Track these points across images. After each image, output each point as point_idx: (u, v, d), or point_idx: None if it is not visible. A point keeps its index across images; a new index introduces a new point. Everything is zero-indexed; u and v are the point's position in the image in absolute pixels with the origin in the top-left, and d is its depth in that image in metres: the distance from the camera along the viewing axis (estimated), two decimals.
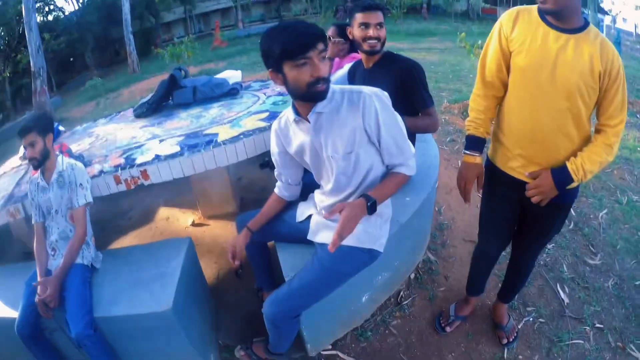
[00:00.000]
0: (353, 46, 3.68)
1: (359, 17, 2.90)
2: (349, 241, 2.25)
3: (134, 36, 25.35)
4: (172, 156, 2.97)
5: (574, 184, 2.19)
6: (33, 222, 2.93)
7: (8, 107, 26.14)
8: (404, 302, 3.32)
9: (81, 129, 4.82)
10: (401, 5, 28.85)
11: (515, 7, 2.27)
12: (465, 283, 3.17)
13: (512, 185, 2.40)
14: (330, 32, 3.86)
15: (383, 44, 2.97)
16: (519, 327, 3.11)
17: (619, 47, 15.03)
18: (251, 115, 3.55)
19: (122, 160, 3.08)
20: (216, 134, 3.19)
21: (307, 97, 2.10)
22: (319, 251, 2.44)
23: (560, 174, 2.17)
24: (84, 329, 2.44)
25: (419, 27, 26.45)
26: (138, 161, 3.00)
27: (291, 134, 2.39)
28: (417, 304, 3.34)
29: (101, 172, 3.00)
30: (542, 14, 2.11)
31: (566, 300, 3.34)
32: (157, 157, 3.00)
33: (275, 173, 2.64)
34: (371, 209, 2.16)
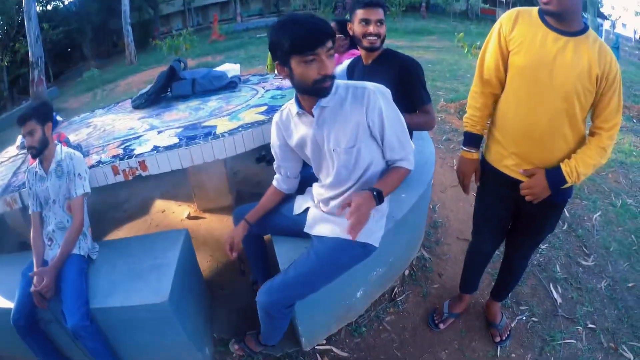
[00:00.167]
0: (353, 42, 3.69)
1: (359, 13, 2.91)
2: (344, 234, 2.25)
3: (132, 28, 25.24)
4: (171, 147, 2.97)
5: (567, 185, 2.22)
6: (30, 212, 2.92)
7: (5, 96, 25.98)
8: (398, 299, 3.33)
9: (79, 119, 4.82)
10: (400, 3, 28.78)
11: (515, 8, 2.29)
12: (458, 281, 3.19)
13: (506, 183, 2.42)
14: None
15: (383, 41, 2.98)
16: (512, 325, 3.13)
17: (617, 52, 15.08)
18: (250, 109, 3.55)
19: (120, 151, 3.08)
20: (215, 127, 3.19)
21: (312, 92, 2.12)
22: (315, 243, 2.46)
23: (554, 175, 2.20)
24: (80, 320, 2.43)
25: (418, 26, 26.40)
26: (136, 152, 3.00)
27: (292, 127, 2.41)
28: (410, 300, 3.35)
29: (99, 162, 3.00)
30: (543, 15, 2.13)
31: (559, 300, 3.36)
32: (156, 148, 3.00)
33: (275, 166, 2.66)
34: (378, 198, 2.17)
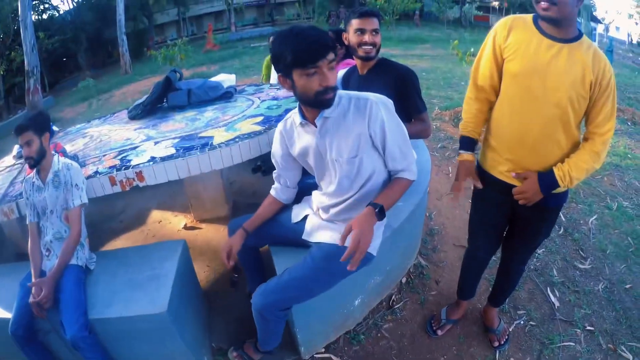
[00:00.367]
0: (348, 52, 3.71)
1: (355, 23, 2.94)
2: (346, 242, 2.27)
3: (127, 37, 25.30)
4: (168, 158, 2.98)
5: (560, 189, 2.24)
6: (27, 222, 2.92)
7: (1, 105, 25.96)
8: (396, 306, 3.34)
9: (75, 130, 4.82)
10: (394, 12, 28.88)
11: (510, 16, 2.32)
12: (456, 287, 3.20)
13: (501, 189, 2.43)
14: None
15: (378, 50, 3.01)
16: (510, 330, 3.13)
17: (611, 56, 15.16)
18: (246, 119, 3.56)
19: (117, 162, 3.08)
20: (211, 137, 3.20)
21: (314, 104, 2.15)
22: (314, 249, 2.47)
23: (547, 179, 2.22)
24: (78, 331, 2.43)
25: (412, 34, 26.48)
26: (133, 162, 3.00)
27: (295, 136, 2.44)
28: (408, 307, 3.36)
29: (96, 172, 3.00)
30: (537, 22, 2.15)
31: (557, 303, 3.38)
32: (153, 158, 3.00)
33: (274, 175, 2.68)
34: (380, 214, 2.19)
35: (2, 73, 26.35)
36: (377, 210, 2.18)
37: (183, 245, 3.06)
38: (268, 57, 6.24)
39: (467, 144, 2.53)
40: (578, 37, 2.09)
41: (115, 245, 4.44)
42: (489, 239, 2.79)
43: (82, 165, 3.15)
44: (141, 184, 2.99)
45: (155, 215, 5.00)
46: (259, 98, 4.31)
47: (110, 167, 3.03)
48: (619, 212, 4.68)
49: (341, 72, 3.37)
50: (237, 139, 3.09)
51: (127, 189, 3.00)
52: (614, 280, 3.65)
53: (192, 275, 3.23)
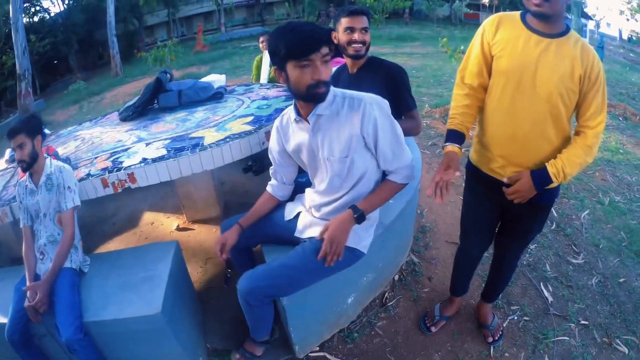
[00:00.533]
0: (338, 51, 3.71)
1: (344, 21, 2.95)
2: None
3: (117, 39, 25.26)
4: (159, 159, 2.97)
5: (553, 185, 2.24)
6: (21, 226, 2.91)
7: None
8: (389, 304, 3.35)
9: (66, 132, 4.79)
10: (384, 10, 28.92)
11: (498, 13, 2.32)
12: (448, 284, 3.22)
13: (493, 186, 2.43)
14: None
15: (368, 48, 3.02)
16: (504, 325, 3.15)
17: (602, 52, 15.20)
18: (237, 119, 3.55)
19: (109, 164, 3.07)
20: (202, 137, 3.20)
21: (307, 98, 2.17)
22: (307, 243, 2.49)
23: (540, 176, 2.21)
24: (74, 334, 2.43)
25: (401, 32, 26.42)
26: (125, 164, 2.99)
27: (290, 133, 2.45)
28: (401, 305, 3.37)
29: (88, 175, 2.99)
30: (525, 19, 2.16)
31: (550, 298, 3.39)
32: (144, 160, 2.99)
33: (271, 171, 2.70)
34: (359, 219, 2.27)
35: None
36: (356, 215, 2.26)
37: (176, 246, 3.06)
38: (258, 57, 6.25)
39: (454, 136, 2.47)
40: (566, 31, 2.09)
41: (108, 247, 4.43)
42: (481, 236, 2.79)
43: (75, 167, 3.14)
44: (133, 186, 2.98)
45: (148, 217, 4.99)
46: (249, 98, 4.30)
47: (102, 169, 3.02)
48: (611, 207, 4.70)
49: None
50: (227, 139, 3.08)
51: (120, 190, 2.99)
52: (608, 274, 3.67)
53: (186, 276, 3.23)
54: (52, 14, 35.84)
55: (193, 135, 3.31)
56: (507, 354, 2.96)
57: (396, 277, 3.58)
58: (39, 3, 34.39)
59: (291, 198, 2.81)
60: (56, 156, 3.38)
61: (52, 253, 2.79)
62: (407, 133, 2.95)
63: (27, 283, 2.66)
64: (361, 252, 2.53)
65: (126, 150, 3.30)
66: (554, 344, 3.02)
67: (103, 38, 28.68)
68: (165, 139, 3.35)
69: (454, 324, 3.19)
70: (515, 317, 3.24)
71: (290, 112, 2.42)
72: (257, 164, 4.96)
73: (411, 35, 25.56)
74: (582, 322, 3.20)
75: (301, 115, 2.31)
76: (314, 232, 2.51)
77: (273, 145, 2.59)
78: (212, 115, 3.83)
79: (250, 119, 3.49)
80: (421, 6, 36.96)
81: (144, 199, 5.22)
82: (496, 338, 3.01)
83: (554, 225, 4.33)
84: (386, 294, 3.43)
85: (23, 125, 2.79)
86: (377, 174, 2.43)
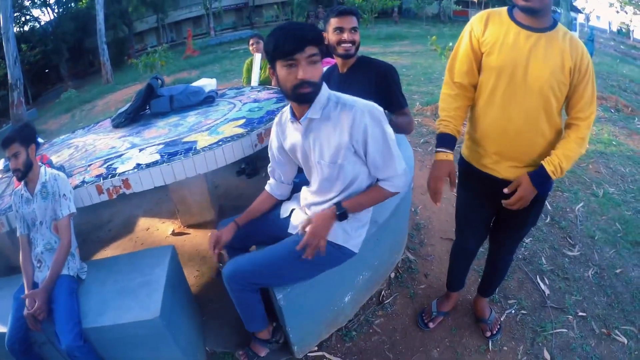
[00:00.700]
0: (328, 51, 3.72)
1: (333, 21, 2.95)
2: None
3: (107, 46, 25.21)
4: (153, 164, 2.97)
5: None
6: (18, 235, 2.91)
7: None
8: (386, 301, 3.35)
9: (60, 141, 4.79)
10: (372, 10, 28.94)
11: (485, 10, 2.32)
12: (444, 280, 3.23)
13: (487, 181, 2.45)
14: None
15: (357, 48, 3.02)
16: (502, 319, 3.16)
17: (592, 45, 15.22)
18: (229, 122, 3.55)
19: (103, 170, 3.07)
20: (195, 142, 3.20)
21: (293, 98, 2.17)
22: (298, 237, 2.48)
23: (539, 177, 2.23)
24: (73, 341, 2.43)
25: (390, 31, 26.44)
26: (119, 170, 2.99)
27: (287, 131, 2.46)
28: (398, 302, 3.38)
29: (83, 182, 2.98)
30: (512, 14, 2.17)
31: (547, 291, 3.41)
32: (138, 165, 2.99)
33: (269, 169, 2.70)
34: (340, 217, 2.29)
35: None
36: (338, 212, 2.29)
37: (172, 250, 3.06)
38: (248, 60, 6.25)
39: (446, 141, 2.44)
40: (553, 25, 2.11)
41: (104, 254, 4.43)
42: (476, 231, 2.81)
43: (69, 175, 3.14)
44: (128, 192, 2.98)
45: (143, 222, 5.00)
46: (240, 101, 4.30)
47: (96, 176, 3.01)
48: (605, 198, 4.72)
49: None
50: (220, 142, 3.09)
51: (114, 196, 2.99)
52: (604, 265, 3.69)
53: (183, 280, 3.23)
54: (42, 23, 35.87)
55: (186, 139, 3.32)
56: (505, 348, 2.98)
57: (392, 275, 3.59)
58: (29, 12, 34.36)
59: (289, 198, 2.81)
60: (50, 164, 3.39)
61: (49, 261, 2.79)
62: (400, 130, 2.96)
63: (26, 291, 2.66)
64: (351, 251, 2.53)
65: (120, 156, 3.30)
66: (552, 337, 3.03)
67: (93, 45, 28.66)
68: (159, 144, 3.35)
69: (451, 320, 3.20)
70: (513, 311, 3.25)
71: (287, 112, 2.42)
72: (250, 167, 4.97)
73: (400, 34, 25.60)
74: (580, 313, 3.22)
75: (295, 117, 2.31)
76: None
77: (272, 141, 2.59)
78: (204, 119, 3.84)
79: (242, 121, 3.49)
80: (410, 5, 37.05)
81: (139, 205, 5.23)
82: (494, 332, 3.02)
83: (549, 219, 4.34)
84: (383, 291, 3.44)
85: (17, 134, 2.78)
86: (369, 179, 2.42)
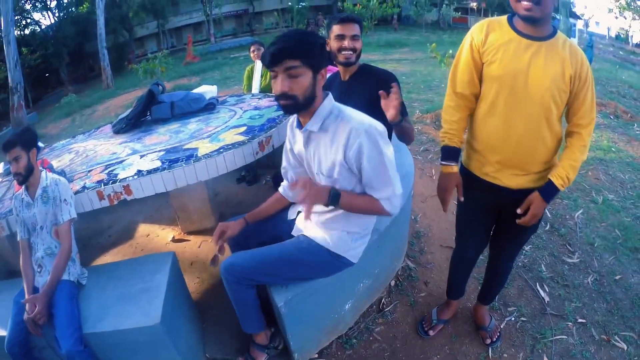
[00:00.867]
0: (330, 59, 3.73)
1: (335, 29, 2.97)
2: (320, 240, 2.42)
3: (107, 51, 25.22)
4: (154, 171, 2.98)
5: None
6: (18, 239, 2.91)
7: None
8: (386, 309, 3.35)
9: (60, 145, 4.80)
10: (372, 17, 28.96)
11: (485, 19, 2.33)
12: (444, 288, 3.23)
13: (487, 189, 2.46)
14: None
15: (359, 56, 3.03)
16: (502, 326, 3.17)
17: (592, 51, 15.25)
18: (229, 130, 3.56)
19: (104, 176, 3.08)
20: (196, 149, 3.21)
21: (280, 107, 2.17)
22: (301, 237, 2.51)
23: (549, 192, 2.26)
24: (74, 346, 2.43)
25: (390, 38, 26.43)
26: (120, 176, 3.00)
27: (296, 137, 2.47)
28: (399, 310, 3.37)
29: (84, 187, 2.99)
30: (512, 23, 2.18)
31: (546, 298, 3.41)
32: (139, 172, 3.00)
33: (282, 171, 2.69)
34: (332, 199, 2.21)
35: None
36: (331, 194, 2.21)
37: (173, 257, 3.06)
38: (249, 67, 6.25)
39: (451, 154, 2.48)
40: (553, 33, 2.13)
41: (105, 260, 4.42)
42: (476, 239, 2.82)
43: (70, 180, 3.14)
44: (129, 198, 2.99)
45: (143, 229, 4.99)
46: (241, 108, 4.31)
47: (97, 182, 3.02)
48: (604, 205, 4.73)
49: None
50: (221, 150, 3.09)
51: (115, 202, 3.00)
52: (603, 272, 3.70)
53: (183, 286, 3.23)
54: (43, 27, 35.88)
55: (187, 146, 3.32)
56: (505, 355, 2.98)
57: (392, 283, 3.58)
58: (30, 16, 34.39)
59: None
60: (51, 169, 3.39)
61: (49, 266, 2.79)
62: (407, 134, 2.91)
63: (26, 296, 2.65)
64: (349, 261, 2.54)
65: (121, 162, 3.30)
66: (552, 343, 3.04)
67: (93, 50, 28.71)
68: (160, 151, 3.35)
69: (451, 327, 3.20)
70: (513, 318, 3.25)
71: (295, 119, 2.42)
72: (250, 175, 4.97)
73: (400, 41, 25.59)
74: (580, 320, 3.22)
75: (300, 124, 2.31)
76: (310, 231, 2.52)
77: (286, 144, 2.59)
78: (205, 126, 3.84)
79: (243, 129, 3.50)
80: (409, 12, 37.08)
81: (139, 211, 5.22)
82: (494, 339, 3.02)
83: (548, 226, 4.35)
84: (383, 299, 3.43)
85: (18, 138, 2.78)
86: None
